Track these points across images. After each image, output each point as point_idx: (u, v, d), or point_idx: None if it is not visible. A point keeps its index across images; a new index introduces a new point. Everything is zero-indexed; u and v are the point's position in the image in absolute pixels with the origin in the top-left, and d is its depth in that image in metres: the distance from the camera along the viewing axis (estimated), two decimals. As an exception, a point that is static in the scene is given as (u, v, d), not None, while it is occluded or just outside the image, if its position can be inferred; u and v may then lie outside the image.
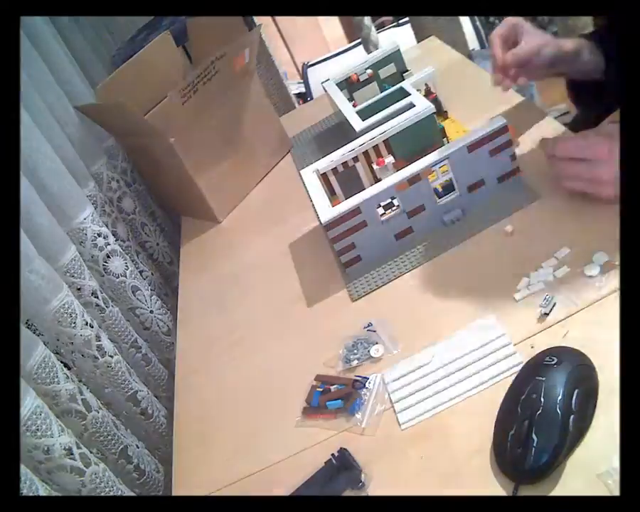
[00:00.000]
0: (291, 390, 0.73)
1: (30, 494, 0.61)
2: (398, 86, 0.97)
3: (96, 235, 0.97)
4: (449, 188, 0.82)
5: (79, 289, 0.89)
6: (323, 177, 0.88)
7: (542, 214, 0.77)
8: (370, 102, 1.00)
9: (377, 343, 0.72)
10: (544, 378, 0.54)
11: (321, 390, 0.70)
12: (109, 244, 0.99)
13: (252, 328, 0.87)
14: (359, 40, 2.10)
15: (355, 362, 0.71)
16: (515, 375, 0.58)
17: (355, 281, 0.83)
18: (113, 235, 1.02)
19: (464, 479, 0.55)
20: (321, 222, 0.80)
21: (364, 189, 0.81)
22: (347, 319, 0.78)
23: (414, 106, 0.88)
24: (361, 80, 1.12)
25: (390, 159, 0.87)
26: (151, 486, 0.85)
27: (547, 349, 0.58)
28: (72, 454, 0.70)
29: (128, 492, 0.77)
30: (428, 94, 1.00)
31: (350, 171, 0.89)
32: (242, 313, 0.91)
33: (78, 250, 0.91)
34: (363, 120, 0.93)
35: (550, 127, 0.90)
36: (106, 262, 0.98)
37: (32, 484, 0.62)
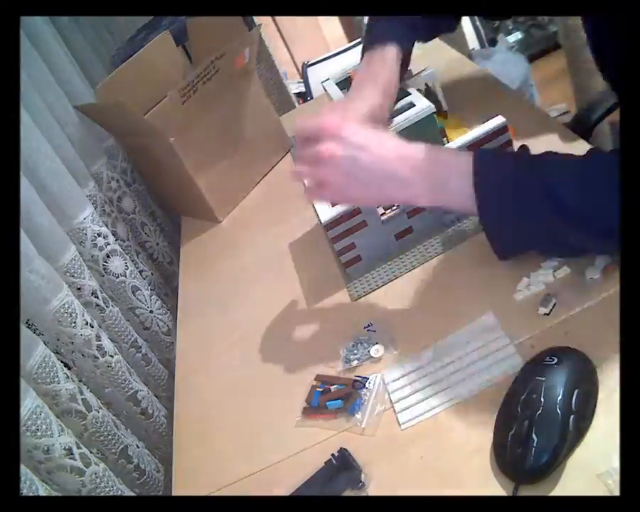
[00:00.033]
0: (291, 390, 0.73)
1: (30, 494, 0.61)
2: (398, 86, 0.97)
3: (96, 234, 0.97)
4: (449, 188, 0.82)
5: (79, 289, 0.89)
6: (323, 177, 0.88)
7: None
8: (370, 101, 0.99)
9: (377, 343, 0.72)
10: (544, 378, 0.54)
11: (321, 390, 0.70)
12: (109, 244, 0.99)
13: (252, 328, 0.87)
14: (359, 40, 2.10)
15: (355, 362, 0.71)
16: (515, 375, 0.58)
17: (355, 281, 0.83)
18: (113, 234, 1.03)
19: (464, 479, 0.55)
20: (321, 222, 0.80)
21: (364, 189, 0.81)
22: (347, 319, 0.78)
23: (414, 106, 0.88)
24: (361, 79, 1.11)
25: (390, 159, 0.87)
26: (151, 486, 0.85)
27: (547, 349, 0.58)
28: (72, 453, 0.70)
29: (128, 492, 0.77)
30: (428, 94, 1.00)
31: (350, 170, 0.89)
32: (242, 313, 0.91)
33: (78, 250, 0.91)
34: (363, 120, 0.93)
35: (550, 127, 0.90)
36: (106, 262, 0.98)
37: (32, 484, 0.62)
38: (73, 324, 0.82)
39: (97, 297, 0.91)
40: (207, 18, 1.10)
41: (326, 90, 1.13)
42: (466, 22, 2.32)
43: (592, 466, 0.50)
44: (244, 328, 0.88)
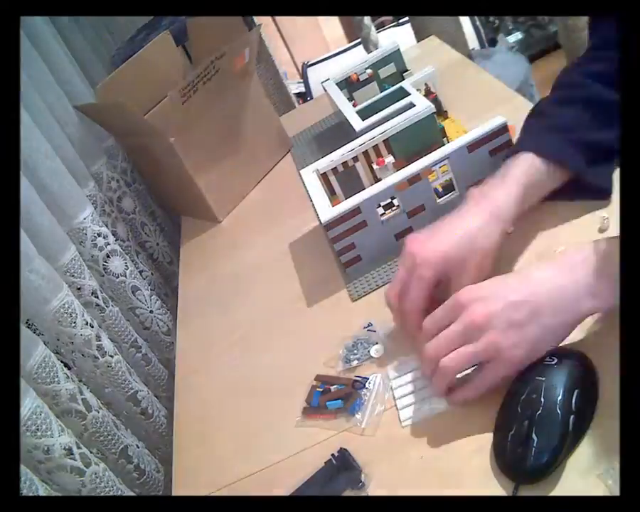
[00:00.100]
0: (291, 390, 0.73)
1: (30, 494, 0.61)
2: (398, 86, 0.97)
3: (96, 234, 0.97)
4: (449, 188, 0.82)
5: (79, 289, 0.89)
6: (323, 177, 0.88)
7: (542, 213, 0.77)
8: (370, 101, 1.00)
9: (377, 343, 0.72)
10: (544, 378, 0.54)
11: (321, 390, 0.70)
12: (109, 244, 0.99)
13: (252, 328, 0.87)
14: (359, 40, 2.10)
15: (355, 362, 0.71)
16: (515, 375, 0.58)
17: (355, 281, 0.83)
18: (113, 234, 1.03)
19: (464, 479, 0.55)
20: (321, 222, 0.80)
21: (364, 189, 0.81)
22: (347, 319, 0.78)
23: (414, 106, 0.88)
24: (361, 79, 1.11)
25: (390, 159, 0.87)
26: (151, 486, 0.85)
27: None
28: (72, 453, 0.70)
29: (128, 492, 0.77)
30: (428, 94, 1.00)
31: (350, 170, 0.89)
32: (242, 313, 0.91)
33: (78, 250, 0.91)
34: (363, 120, 0.93)
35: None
36: (106, 262, 0.98)
37: (32, 484, 0.62)
38: (73, 324, 0.82)
39: (97, 297, 0.91)
40: (207, 18, 1.10)
41: (326, 90, 1.13)
42: (466, 22, 2.32)
43: (591, 466, 0.50)
44: (244, 328, 0.88)
